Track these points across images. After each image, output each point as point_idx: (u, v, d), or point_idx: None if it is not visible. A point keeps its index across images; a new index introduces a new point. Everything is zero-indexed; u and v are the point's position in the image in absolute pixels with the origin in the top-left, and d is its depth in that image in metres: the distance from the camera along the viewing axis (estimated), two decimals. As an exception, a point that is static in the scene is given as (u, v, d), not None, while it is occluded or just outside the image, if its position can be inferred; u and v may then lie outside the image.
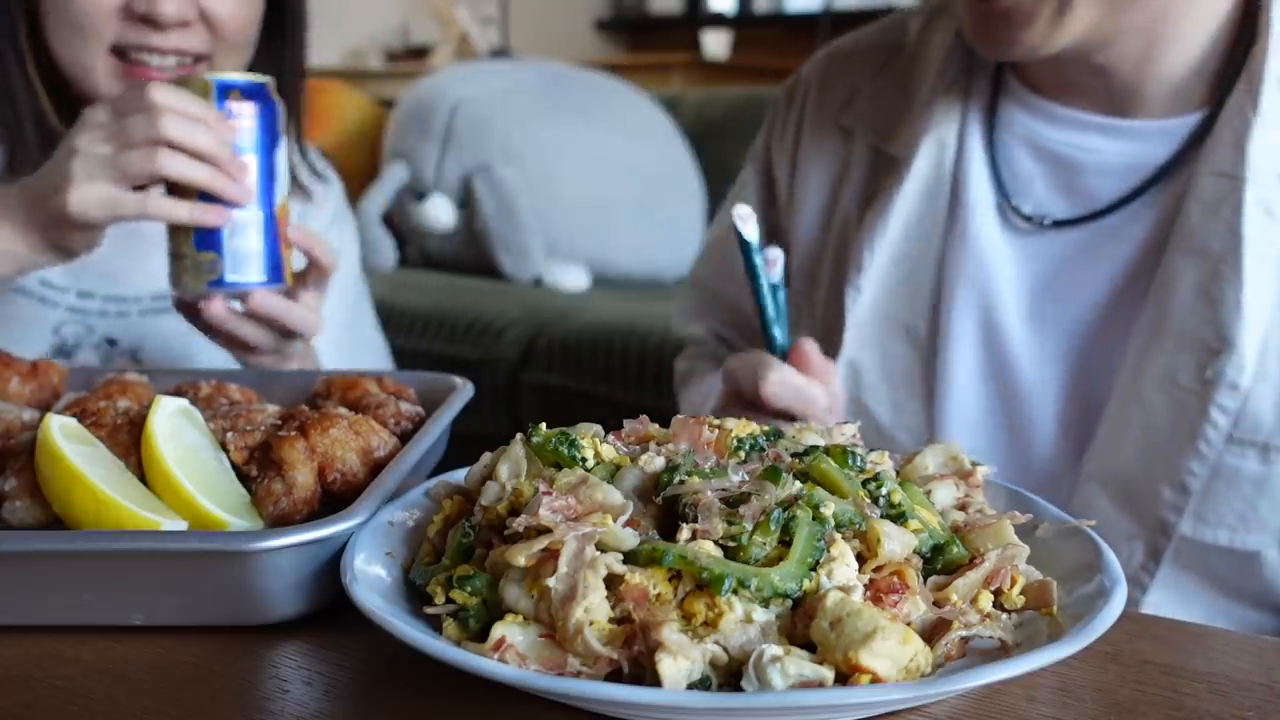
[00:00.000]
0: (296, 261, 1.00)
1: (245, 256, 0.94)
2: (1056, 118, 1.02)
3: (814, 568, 0.51)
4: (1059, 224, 1.01)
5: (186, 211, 0.91)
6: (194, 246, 0.93)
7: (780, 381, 0.90)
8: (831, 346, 1.08)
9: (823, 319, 1.12)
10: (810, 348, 0.93)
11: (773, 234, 1.22)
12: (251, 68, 1.16)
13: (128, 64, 1.08)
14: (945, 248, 1.06)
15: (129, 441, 0.64)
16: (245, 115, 0.93)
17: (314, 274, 1.01)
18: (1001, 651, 0.52)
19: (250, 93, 0.94)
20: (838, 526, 0.53)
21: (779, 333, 0.93)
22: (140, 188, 0.90)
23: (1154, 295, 0.96)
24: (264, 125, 0.94)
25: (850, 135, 1.14)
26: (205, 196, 0.91)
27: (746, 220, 0.89)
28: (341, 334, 1.30)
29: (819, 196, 1.15)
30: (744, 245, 0.89)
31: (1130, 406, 0.96)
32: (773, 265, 0.92)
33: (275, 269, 0.95)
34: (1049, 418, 1.02)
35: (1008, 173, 1.04)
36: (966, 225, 1.04)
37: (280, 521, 0.62)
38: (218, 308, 0.95)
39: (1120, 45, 0.95)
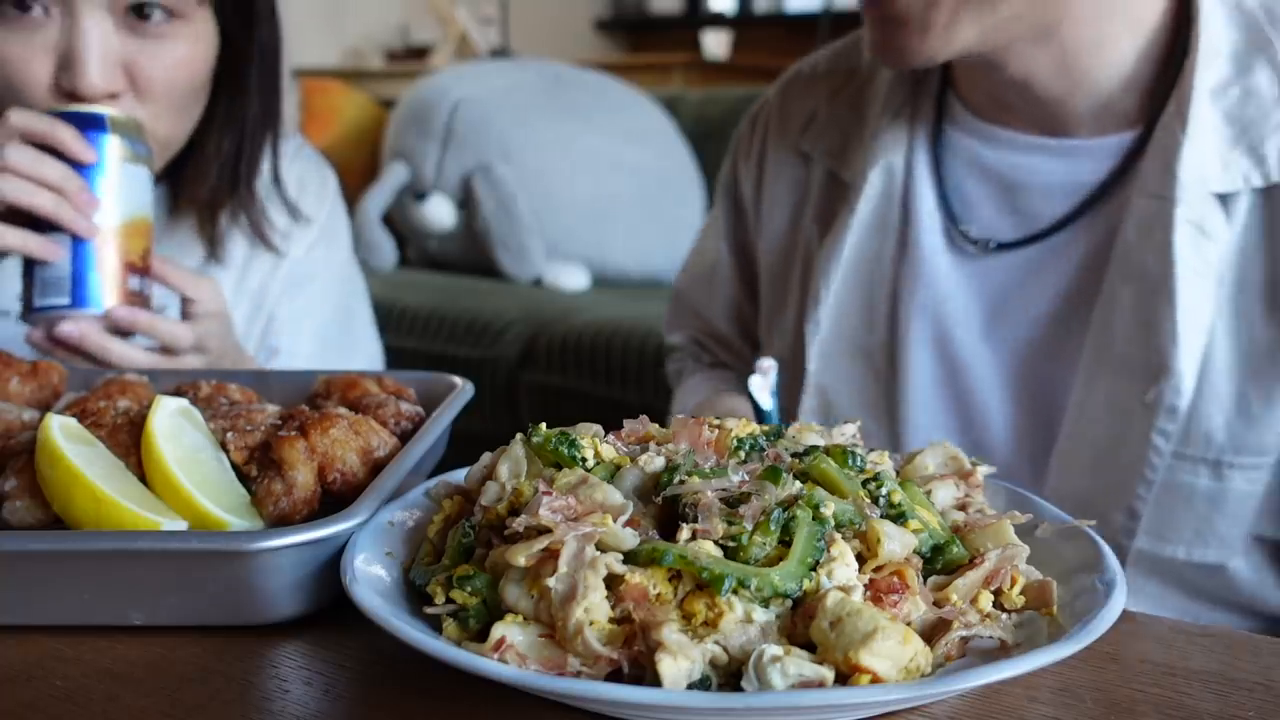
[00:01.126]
0: (162, 293, 1.01)
1: (52, 281, 0.94)
2: (996, 139, 1.02)
3: (814, 568, 0.51)
4: (1004, 246, 1.01)
5: (17, 239, 0.91)
6: (21, 273, 0.95)
7: None
8: (799, 368, 1.10)
9: (791, 343, 1.13)
10: None
11: (745, 261, 1.24)
12: (207, 122, 1.13)
13: None
14: (897, 273, 1.06)
15: (129, 441, 0.63)
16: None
17: (186, 305, 1.00)
18: (1001, 651, 0.52)
19: (79, 122, 0.94)
20: (838, 526, 0.53)
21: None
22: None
23: (1096, 318, 0.96)
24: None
25: (809, 160, 1.14)
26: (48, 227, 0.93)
27: (765, 377, 0.92)
28: (318, 347, 1.29)
29: (783, 221, 1.16)
30: (757, 409, 0.91)
31: (1081, 428, 0.96)
32: (765, 374, 0.93)
33: (84, 294, 0.94)
34: (1007, 438, 1.03)
35: (955, 196, 1.04)
36: (916, 250, 1.04)
37: (280, 521, 0.62)
38: (33, 335, 0.96)
39: (1034, 57, 0.94)
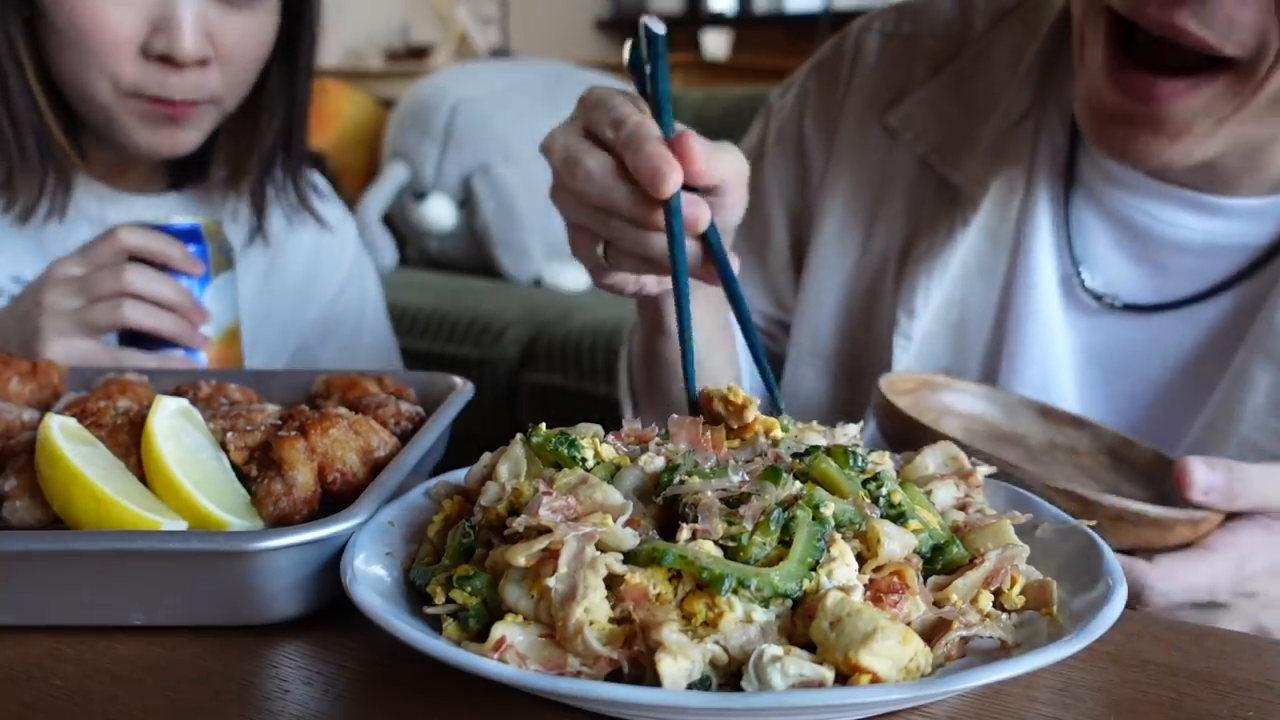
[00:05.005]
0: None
1: None
2: (1137, 185, 0.89)
3: (814, 568, 0.51)
4: (1130, 307, 0.89)
5: (155, 364, 0.93)
6: None
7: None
8: (868, 374, 0.98)
9: (867, 349, 1.01)
10: (696, 141, 0.74)
11: (797, 232, 1.08)
12: (259, 95, 1.15)
13: (142, 99, 1.06)
14: (1000, 304, 0.94)
15: (129, 441, 0.63)
16: None
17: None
18: (1001, 651, 0.52)
19: (180, 235, 0.96)
20: (838, 526, 0.53)
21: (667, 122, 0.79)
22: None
23: (1222, 392, 0.85)
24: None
25: (894, 137, 1.00)
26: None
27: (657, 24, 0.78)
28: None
29: (854, 199, 1.02)
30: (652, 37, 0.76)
31: None
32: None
33: None
34: None
35: (1078, 237, 0.91)
36: (1025, 288, 0.92)
37: (280, 521, 0.62)
38: None
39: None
